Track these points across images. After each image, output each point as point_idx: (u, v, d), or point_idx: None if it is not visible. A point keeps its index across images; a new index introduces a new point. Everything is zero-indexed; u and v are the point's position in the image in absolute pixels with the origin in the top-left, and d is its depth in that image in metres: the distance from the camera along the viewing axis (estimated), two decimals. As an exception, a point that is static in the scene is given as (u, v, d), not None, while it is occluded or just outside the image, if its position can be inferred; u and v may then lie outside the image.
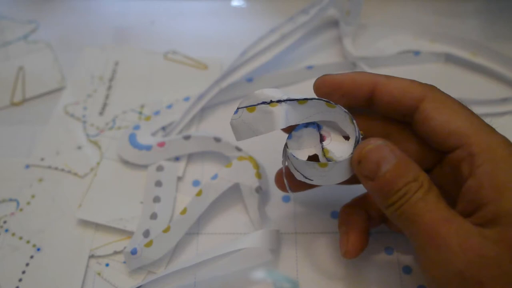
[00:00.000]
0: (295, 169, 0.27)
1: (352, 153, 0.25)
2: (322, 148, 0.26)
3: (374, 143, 0.24)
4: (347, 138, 0.27)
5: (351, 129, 0.26)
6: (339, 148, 0.26)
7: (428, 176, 0.24)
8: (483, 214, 0.22)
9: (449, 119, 0.24)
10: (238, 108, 0.26)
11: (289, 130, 0.28)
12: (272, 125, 0.26)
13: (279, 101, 0.26)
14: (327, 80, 0.27)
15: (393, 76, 0.27)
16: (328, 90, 0.27)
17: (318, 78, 0.27)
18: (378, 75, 0.27)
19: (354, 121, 0.25)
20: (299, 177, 0.27)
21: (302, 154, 0.27)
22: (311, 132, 0.27)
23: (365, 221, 0.30)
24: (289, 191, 0.29)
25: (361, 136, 0.25)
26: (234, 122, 0.26)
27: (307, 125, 0.28)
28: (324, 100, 0.26)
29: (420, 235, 0.23)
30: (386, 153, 0.24)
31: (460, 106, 0.25)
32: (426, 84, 0.26)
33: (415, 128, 0.26)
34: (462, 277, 0.22)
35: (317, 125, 0.27)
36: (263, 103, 0.26)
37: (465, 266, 0.22)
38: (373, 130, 0.28)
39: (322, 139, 0.27)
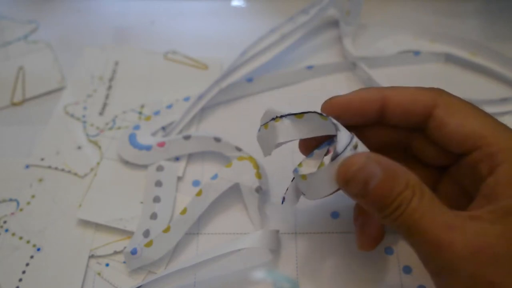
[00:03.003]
0: (297, 184, 0.27)
1: (330, 163, 0.24)
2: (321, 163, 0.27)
3: (359, 162, 0.23)
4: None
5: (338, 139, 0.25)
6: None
7: (417, 178, 0.23)
8: (495, 209, 0.22)
9: (463, 123, 0.24)
10: (260, 126, 0.28)
11: (308, 150, 0.29)
12: (274, 139, 0.27)
13: (281, 117, 0.27)
14: (334, 103, 0.27)
15: (399, 87, 0.26)
16: (337, 113, 0.27)
17: (325, 102, 0.27)
18: (384, 89, 0.26)
19: (338, 132, 0.25)
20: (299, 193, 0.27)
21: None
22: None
23: None
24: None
25: (350, 148, 0.25)
26: (258, 138, 0.28)
27: (329, 143, 0.28)
28: (317, 113, 0.26)
29: (425, 245, 0.22)
30: (372, 168, 0.23)
31: (472, 108, 0.25)
32: (433, 89, 0.26)
33: (430, 134, 0.26)
34: (474, 280, 0.21)
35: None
36: (272, 119, 0.27)
37: (476, 268, 0.21)
38: (391, 135, 0.28)
39: (327, 153, 0.27)
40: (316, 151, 0.28)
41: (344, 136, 0.25)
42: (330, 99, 0.27)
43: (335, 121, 0.26)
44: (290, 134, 0.27)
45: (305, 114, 0.26)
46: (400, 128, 0.28)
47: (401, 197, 0.23)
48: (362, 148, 0.26)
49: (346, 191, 0.24)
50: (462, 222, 0.22)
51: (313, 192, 0.26)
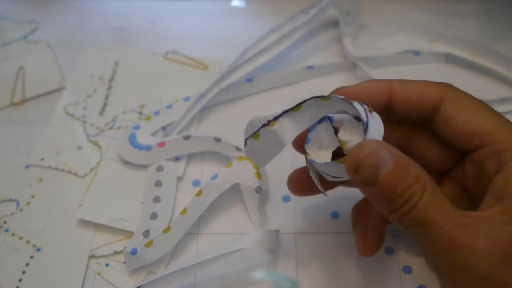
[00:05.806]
0: (322, 172, 0.26)
1: (364, 139, 0.23)
2: (339, 141, 0.25)
3: (370, 147, 0.23)
4: (357, 118, 0.25)
5: (355, 112, 0.25)
6: (354, 137, 0.25)
7: (428, 175, 0.23)
8: (506, 209, 0.21)
9: (470, 119, 0.24)
10: (245, 140, 0.26)
11: (300, 143, 0.27)
12: (280, 143, 0.26)
13: (275, 118, 0.25)
14: (340, 93, 0.26)
15: (407, 80, 0.26)
16: None
17: (332, 92, 0.27)
18: (392, 81, 0.26)
19: (354, 104, 0.24)
20: (329, 178, 0.26)
21: (324, 155, 0.26)
22: (326, 127, 0.26)
23: (381, 218, 0.29)
24: (322, 191, 0.28)
25: (369, 114, 0.24)
26: (248, 154, 0.27)
27: (320, 121, 0.26)
28: (318, 96, 0.25)
29: (437, 243, 0.21)
30: (383, 155, 0.22)
31: (480, 104, 0.25)
32: (442, 84, 0.26)
33: (436, 129, 0.25)
34: (488, 280, 0.21)
35: (328, 118, 0.26)
36: (263, 126, 0.26)
37: (492, 268, 0.21)
38: (392, 135, 0.27)
39: (336, 131, 0.26)
40: (309, 135, 0.26)
41: (357, 108, 0.24)
42: (336, 89, 0.27)
43: (341, 96, 0.25)
44: (293, 131, 0.26)
45: (303, 104, 0.25)
46: (404, 124, 0.27)
47: (412, 190, 0.22)
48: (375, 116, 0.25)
49: (355, 177, 0.23)
50: (474, 222, 0.21)
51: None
